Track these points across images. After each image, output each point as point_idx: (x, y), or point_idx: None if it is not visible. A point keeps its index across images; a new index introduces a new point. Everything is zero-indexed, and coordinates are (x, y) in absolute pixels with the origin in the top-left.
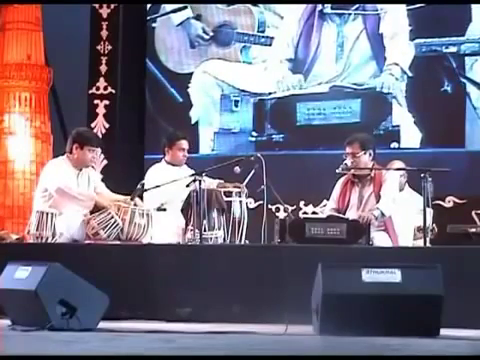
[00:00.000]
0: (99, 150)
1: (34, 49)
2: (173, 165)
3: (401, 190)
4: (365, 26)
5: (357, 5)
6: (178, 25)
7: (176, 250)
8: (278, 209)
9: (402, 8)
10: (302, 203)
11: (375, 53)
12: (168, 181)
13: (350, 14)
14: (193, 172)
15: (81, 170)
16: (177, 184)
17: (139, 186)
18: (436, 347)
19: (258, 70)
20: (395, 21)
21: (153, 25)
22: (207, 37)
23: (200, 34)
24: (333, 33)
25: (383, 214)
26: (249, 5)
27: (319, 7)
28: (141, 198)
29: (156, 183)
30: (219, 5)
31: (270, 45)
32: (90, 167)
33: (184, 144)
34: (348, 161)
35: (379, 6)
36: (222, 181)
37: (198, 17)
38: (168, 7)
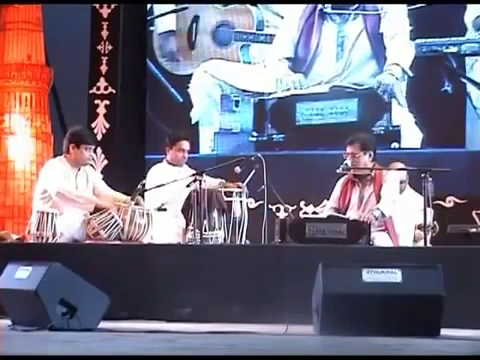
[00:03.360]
0: (99, 149)
1: (34, 49)
2: (173, 165)
3: (401, 192)
4: (365, 26)
5: (357, 5)
6: (160, 34)
7: (176, 250)
8: (278, 209)
9: (403, 8)
10: (302, 203)
11: (375, 53)
12: (169, 181)
13: (350, 14)
14: (194, 172)
15: (79, 169)
16: (178, 184)
17: (139, 186)
18: (436, 347)
19: (258, 70)
20: (395, 21)
21: (151, 28)
22: (178, 58)
23: (173, 51)
24: (333, 32)
25: (383, 214)
26: (247, 4)
27: (319, 6)
28: (142, 197)
29: (157, 183)
30: (217, 5)
31: (270, 43)
32: (88, 165)
33: (184, 145)
34: (348, 161)
35: (379, 6)
36: (223, 181)
37: (196, 18)
38: (157, 10)
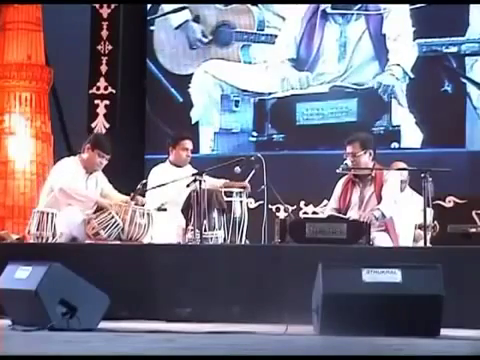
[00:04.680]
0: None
1: (34, 49)
2: (176, 165)
3: (401, 192)
4: (368, 26)
5: (360, 5)
6: (176, 28)
7: (176, 250)
8: (278, 209)
9: (405, 8)
10: (302, 203)
11: (377, 53)
12: (169, 181)
13: (353, 14)
14: (195, 172)
15: (91, 173)
16: (178, 184)
17: (139, 186)
18: (436, 347)
19: (259, 70)
20: (398, 21)
21: (151, 28)
22: (206, 40)
23: (199, 37)
24: (336, 33)
25: (384, 215)
26: (248, 4)
27: (322, 7)
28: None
29: (159, 183)
30: (218, 5)
31: (273, 43)
32: (100, 172)
33: (188, 144)
34: (348, 161)
35: (382, 6)
36: (227, 181)
37: (196, 18)
38: (167, 8)
